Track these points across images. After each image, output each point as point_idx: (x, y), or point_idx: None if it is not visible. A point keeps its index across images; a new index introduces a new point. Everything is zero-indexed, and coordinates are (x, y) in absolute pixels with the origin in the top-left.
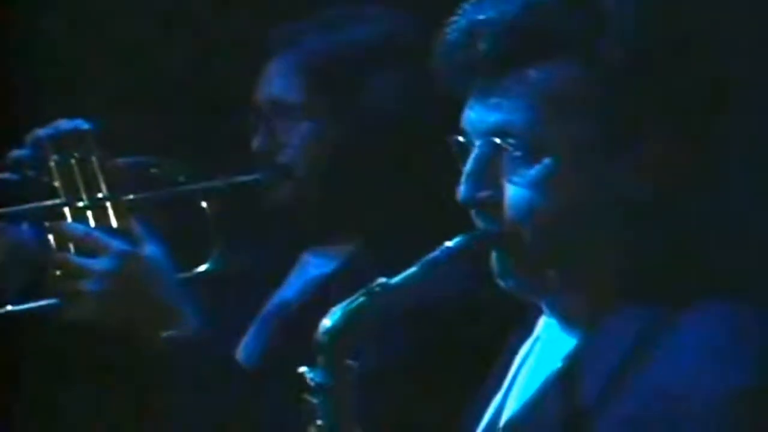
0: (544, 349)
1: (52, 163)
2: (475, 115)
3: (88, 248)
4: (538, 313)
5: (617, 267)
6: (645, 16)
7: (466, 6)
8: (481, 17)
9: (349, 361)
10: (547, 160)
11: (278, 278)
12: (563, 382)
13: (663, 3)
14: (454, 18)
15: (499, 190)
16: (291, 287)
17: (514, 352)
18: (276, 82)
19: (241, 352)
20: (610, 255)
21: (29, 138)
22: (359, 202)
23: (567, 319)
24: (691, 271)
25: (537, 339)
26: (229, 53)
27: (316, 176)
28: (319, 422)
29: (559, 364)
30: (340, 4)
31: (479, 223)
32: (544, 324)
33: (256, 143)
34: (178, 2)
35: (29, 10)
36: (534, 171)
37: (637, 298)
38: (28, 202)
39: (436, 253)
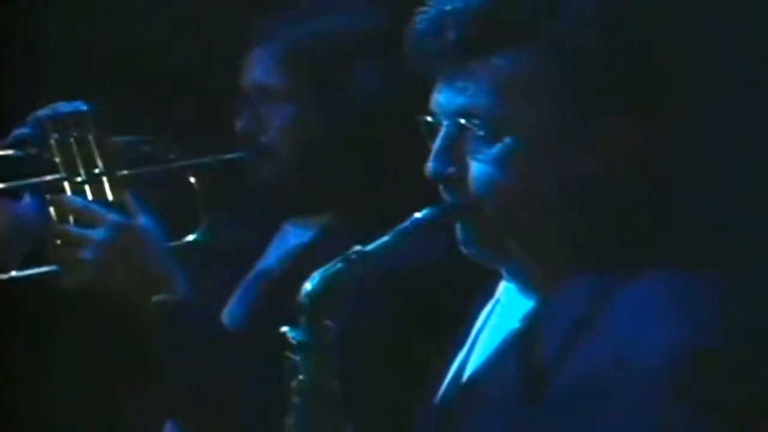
0: (504, 310)
1: (52, 142)
2: (443, 98)
3: (86, 220)
4: (499, 278)
5: (571, 237)
6: (599, 4)
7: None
8: (448, 8)
9: (328, 322)
10: (507, 140)
11: (261, 247)
12: (521, 341)
13: None
14: (424, 8)
15: (464, 167)
16: (272, 255)
17: (477, 314)
18: (259, 69)
19: (226, 315)
20: (565, 226)
21: (31, 118)
22: (335, 177)
23: (525, 284)
24: (639, 242)
25: (497, 302)
26: (217, 41)
27: (295, 154)
28: (300, 377)
29: (517, 325)
30: None
31: (446, 196)
32: (504, 288)
33: (240, 124)
34: None
35: (29, 5)
36: (496, 150)
37: (590, 265)
38: (30, 177)
39: (406, 223)
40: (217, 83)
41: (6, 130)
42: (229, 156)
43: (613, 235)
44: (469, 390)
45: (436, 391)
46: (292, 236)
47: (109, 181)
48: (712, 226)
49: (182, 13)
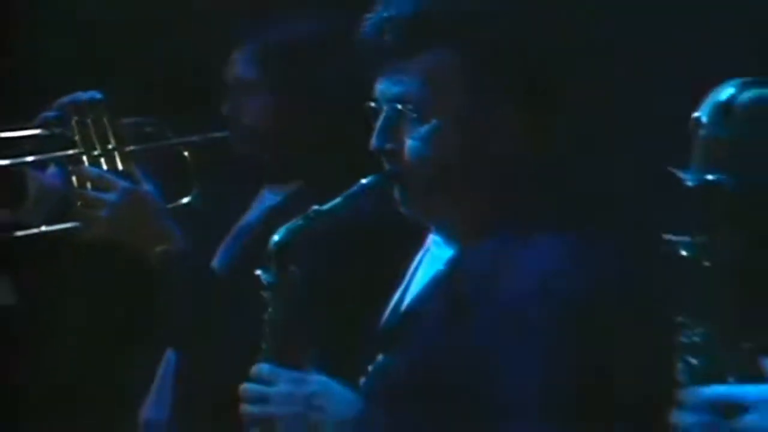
0: (432, 257)
1: (73, 123)
2: (383, 87)
3: (101, 186)
4: (428, 231)
5: (486, 200)
6: (507, 12)
7: (378, 5)
8: (386, 14)
9: (293, 267)
10: (434, 121)
11: (242, 208)
12: (444, 280)
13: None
14: (369, 15)
15: (400, 143)
16: (252, 214)
17: (412, 260)
18: (239, 64)
19: (215, 262)
20: (482, 191)
21: (55, 104)
22: (300, 152)
23: (448, 236)
24: (544, 204)
25: (427, 250)
26: (206, 41)
27: (269, 134)
28: (270, 310)
29: (442, 267)
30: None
31: (386, 166)
32: (432, 239)
33: (226, 109)
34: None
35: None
36: (425, 129)
37: (502, 222)
38: (55, 151)
39: (354, 188)
40: (207, 75)
41: (34, 113)
42: (216, 135)
43: (521, 198)
44: (406, 317)
45: (379, 319)
46: (267, 199)
47: (120, 154)
48: (606, 188)
49: (179, 17)
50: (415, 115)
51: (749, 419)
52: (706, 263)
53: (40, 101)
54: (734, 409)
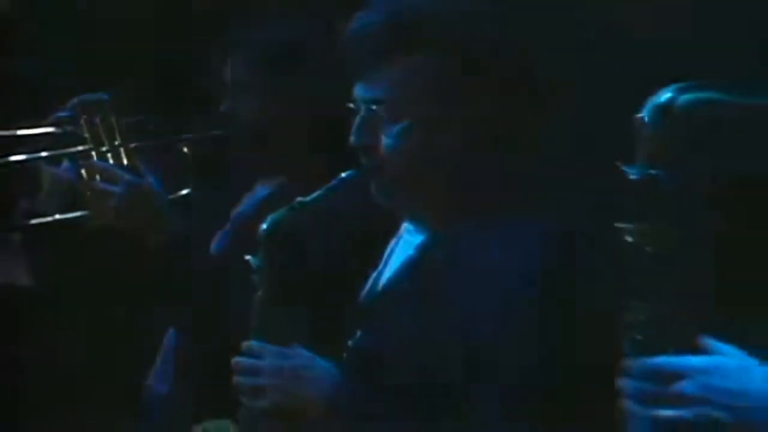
0: (405, 243)
1: (83, 122)
2: (361, 90)
3: (108, 178)
4: (402, 219)
5: (451, 191)
6: (474, 19)
7: (359, 13)
8: (366, 21)
9: (280, 253)
10: (405, 122)
11: (236, 199)
12: (415, 264)
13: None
14: (352, 21)
15: (376, 140)
16: (246, 205)
17: (387, 245)
18: (236, 66)
19: (212, 248)
20: (448, 183)
21: (67, 105)
22: (288, 148)
23: (419, 224)
24: (505, 195)
25: (401, 236)
26: (206, 44)
27: (260, 132)
28: (259, 292)
29: (412, 252)
30: (287, 9)
31: (364, 161)
32: (406, 227)
33: (223, 108)
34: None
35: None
36: (397, 128)
37: (467, 212)
38: (67, 147)
39: (335, 181)
40: (207, 75)
41: (34, 113)
42: (214, 132)
43: (482, 191)
44: (382, 296)
45: (358, 297)
46: (259, 191)
47: (125, 150)
48: (564, 182)
49: (179, 18)
50: (387, 115)
51: (684, 386)
52: (648, 248)
53: (40, 101)
54: (672, 377)
